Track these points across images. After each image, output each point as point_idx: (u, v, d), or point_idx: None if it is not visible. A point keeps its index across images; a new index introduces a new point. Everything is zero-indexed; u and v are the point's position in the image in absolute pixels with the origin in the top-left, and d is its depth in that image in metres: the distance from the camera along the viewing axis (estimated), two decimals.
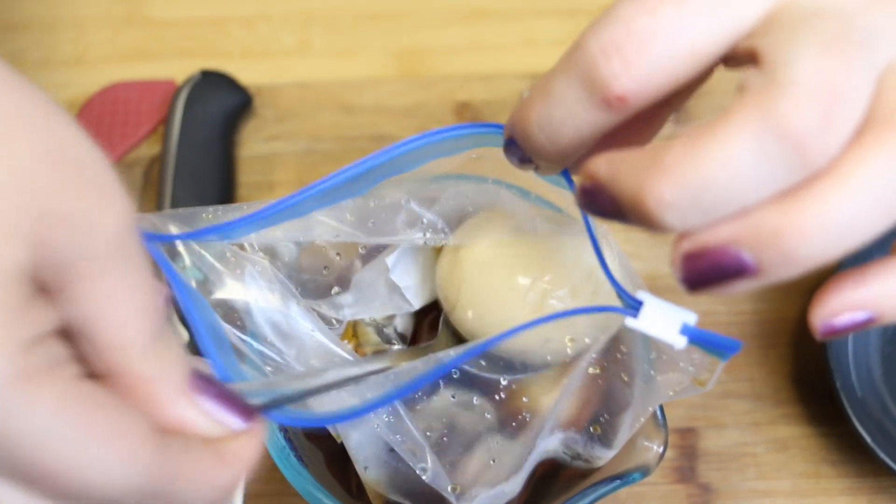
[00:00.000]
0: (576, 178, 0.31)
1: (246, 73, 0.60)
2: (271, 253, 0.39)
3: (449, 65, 0.62)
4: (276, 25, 0.63)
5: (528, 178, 0.37)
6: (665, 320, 0.31)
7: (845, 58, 0.24)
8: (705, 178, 0.24)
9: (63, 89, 0.60)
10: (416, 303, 0.41)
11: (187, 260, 0.37)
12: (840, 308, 0.28)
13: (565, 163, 0.31)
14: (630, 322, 0.31)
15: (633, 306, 0.31)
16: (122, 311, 0.25)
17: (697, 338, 0.31)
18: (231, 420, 0.28)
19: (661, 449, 0.39)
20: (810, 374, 0.54)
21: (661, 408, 0.38)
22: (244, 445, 0.29)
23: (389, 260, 0.40)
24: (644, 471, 0.38)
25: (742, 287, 0.26)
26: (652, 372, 0.36)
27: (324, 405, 0.36)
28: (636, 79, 0.26)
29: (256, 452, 0.29)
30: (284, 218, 0.35)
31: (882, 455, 0.48)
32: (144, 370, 0.26)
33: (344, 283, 0.41)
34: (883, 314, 0.28)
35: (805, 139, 0.23)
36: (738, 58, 0.27)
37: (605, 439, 0.39)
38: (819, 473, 0.52)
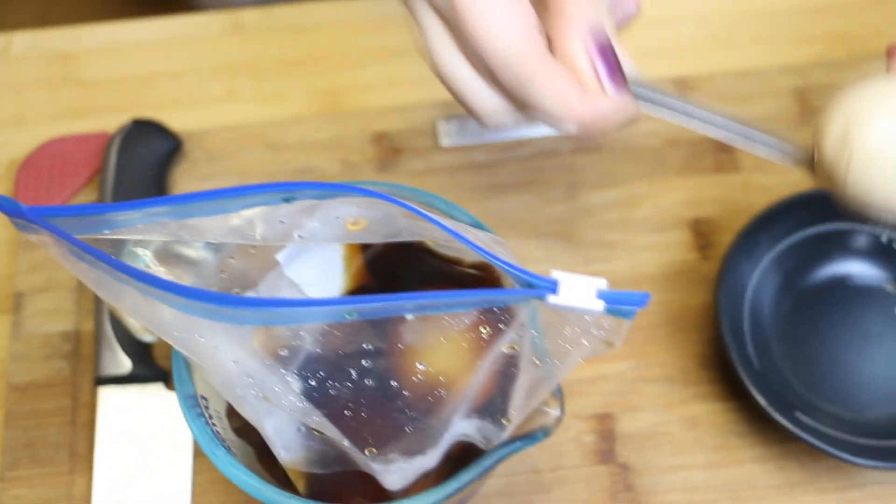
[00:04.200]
0: None
1: (177, 122, 0.64)
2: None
3: (367, 100, 0.66)
4: (204, 77, 0.67)
5: None
6: (582, 291, 0.34)
7: None
8: None
9: (4, 149, 0.64)
10: None
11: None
12: None
13: None
14: (553, 299, 0.34)
15: (551, 285, 0.34)
16: None
17: (613, 299, 0.34)
18: (606, 80, 0.39)
19: (558, 412, 0.42)
20: (715, 355, 0.57)
21: None
22: (605, 102, 0.39)
23: (281, 256, 0.42)
24: (545, 431, 0.41)
25: None
26: (568, 346, 0.37)
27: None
28: None
29: (612, 119, 0.40)
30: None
31: (782, 420, 0.51)
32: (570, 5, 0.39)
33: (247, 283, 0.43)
34: None
35: None
36: None
37: (513, 424, 0.42)
38: (729, 445, 0.55)
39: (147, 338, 0.55)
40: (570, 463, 0.54)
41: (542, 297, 0.35)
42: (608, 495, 0.54)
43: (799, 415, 0.53)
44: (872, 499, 0.53)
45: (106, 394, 0.55)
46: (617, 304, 0.34)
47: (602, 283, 0.34)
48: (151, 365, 0.56)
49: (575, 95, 0.40)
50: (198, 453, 0.54)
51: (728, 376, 0.56)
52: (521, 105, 0.42)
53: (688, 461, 0.55)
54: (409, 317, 0.36)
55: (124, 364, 0.55)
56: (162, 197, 0.35)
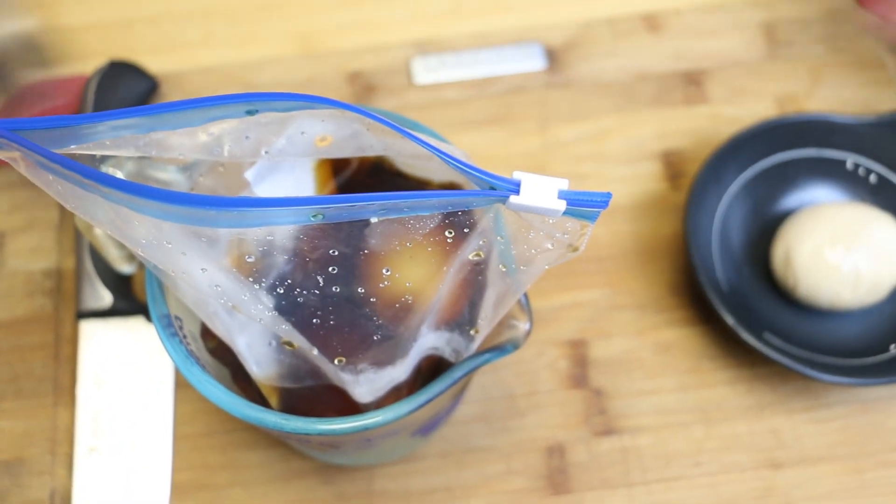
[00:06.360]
0: None
1: (154, 65, 0.65)
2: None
3: (341, 41, 0.67)
4: (180, 22, 0.68)
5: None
6: (543, 191, 0.34)
7: None
8: None
9: None
10: None
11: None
12: None
13: None
14: (515, 199, 0.34)
15: (513, 186, 0.35)
16: None
17: (574, 199, 0.34)
18: None
19: (527, 326, 0.42)
20: (686, 282, 0.58)
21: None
22: None
23: (250, 174, 0.42)
24: (515, 344, 0.41)
25: None
26: (533, 251, 0.38)
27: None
28: None
29: None
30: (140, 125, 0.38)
31: (751, 340, 0.52)
32: None
33: None
34: None
35: None
36: None
37: (481, 335, 0.42)
38: (700, 369, 0.56)
39: (126, 269, 0.56)
40: (545, 388, 0.55)
41: (504, 199, 0.35)
42: (582, 419, 0.55)
43: (767, 335, 0.54)
44: (839, 418, 0.55)
45: (88, 328, 0.56)
46: (578, 205, 0.35)
47: (564, 184, 0.35)
48: (131, 298, 0.56)
49: None
50: (179, 384, 0.56)
51: (698, 302, 0.58)
52: None
53: (659, 385, 0.56)
54: (373, 220, 0.37)
55: (105, 298, 0.56)
56: (126, 108, 0.36)
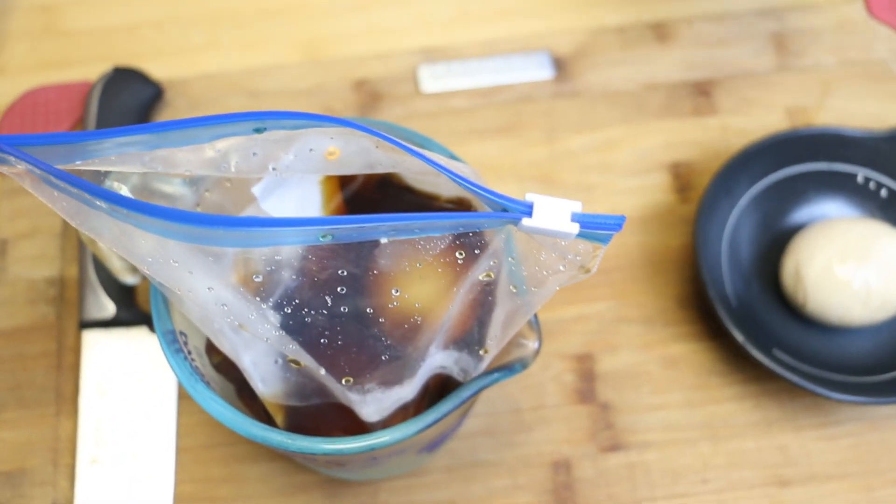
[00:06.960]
0: None
1: (159, 70, 0.64)
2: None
3: (347, 48, 0.66)
4: (185, 26, 0.68)
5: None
6: (556, 213, 0.33)
7: None
8: None
9: None
10: None
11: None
12: None
13: None
14: (527, 222, 0.33)
15: (526, 208, 0.34)
16: None
17: (588, 222, 0.33)
18: None
19: (536, 345, 0.42)
20: (694, 295, 0.58)
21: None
22: None
23: (256, 189, 0.42)
24: (524, 363, 0.41)
25: None
26: (545, 272, 0.37)
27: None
28: None
29: None
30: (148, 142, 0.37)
31: (760, 356, 0.51)
32: None
33: None
34: None
35: None
36: None
37: (490, 355, 0.42)
38: (708, 384, 0.56)
39: (129, 280, 0.56)
40: (551, 402, 0.55)
41: (517, 221, 0.35)
42: (588, 434, 0.54)
43: (776, 352, 0.53)
44: (849, 436, 0.54)
45: (90, 337, 0.56)
46: (592, 228, 0.34)
47: (577, 206, 0.34)
48: (135, 309, 0.56)
49: None
50: (182, 395, 0.55)
51: (706, 316, 0.57)
52: None
53: (667, 400, 0.55)
54: (383, 240, 0.36)
55: (108, 308, 0.55)
56: (132, 126, 0.35)
